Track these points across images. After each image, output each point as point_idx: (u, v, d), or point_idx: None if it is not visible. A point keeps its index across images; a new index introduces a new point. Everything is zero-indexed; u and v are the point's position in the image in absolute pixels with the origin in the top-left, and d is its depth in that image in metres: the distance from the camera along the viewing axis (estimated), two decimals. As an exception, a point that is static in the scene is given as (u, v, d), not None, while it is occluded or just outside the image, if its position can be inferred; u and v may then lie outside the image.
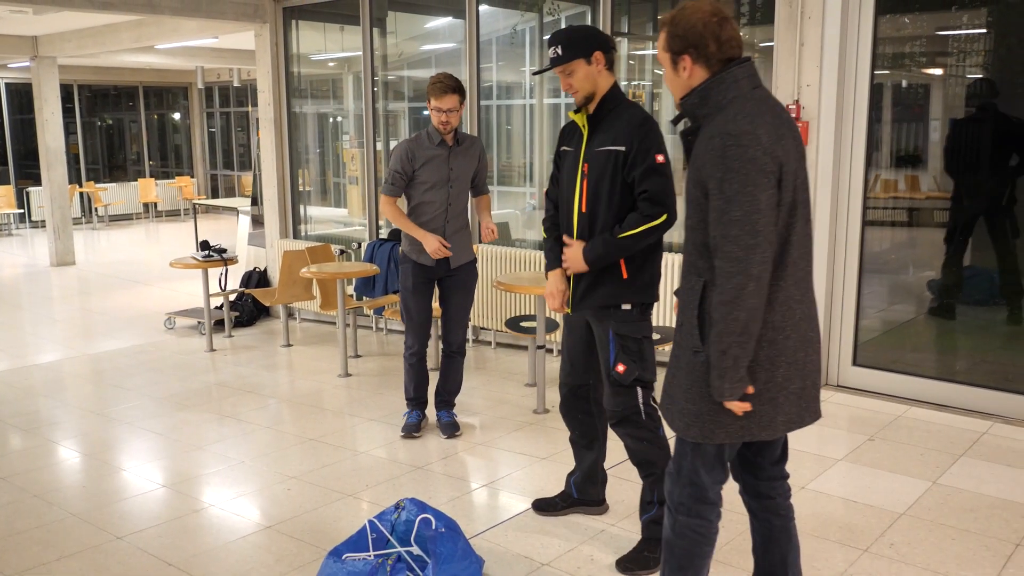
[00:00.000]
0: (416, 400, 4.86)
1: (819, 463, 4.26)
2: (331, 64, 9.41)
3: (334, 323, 7.96)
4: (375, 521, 3.12)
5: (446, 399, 4.90)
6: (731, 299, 2.23)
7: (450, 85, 4.42)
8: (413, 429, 4.81)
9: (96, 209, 17.39)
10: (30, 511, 3.97)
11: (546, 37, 7.92)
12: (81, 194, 17.16)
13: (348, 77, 9.61)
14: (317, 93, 9.19)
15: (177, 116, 20.10)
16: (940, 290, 5.57)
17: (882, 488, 3.95)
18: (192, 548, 3.55)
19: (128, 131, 19.96)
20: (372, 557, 2.94)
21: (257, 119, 18.18)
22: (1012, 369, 5.14)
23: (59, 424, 5.26)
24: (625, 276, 3.18)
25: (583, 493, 3.69)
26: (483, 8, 7.48)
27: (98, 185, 17.52)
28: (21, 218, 16.74)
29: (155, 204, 18.12)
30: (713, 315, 2.28)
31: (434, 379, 4.92)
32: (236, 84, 16.35)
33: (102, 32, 10.37)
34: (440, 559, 2.85)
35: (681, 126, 2.57)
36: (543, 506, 3.74)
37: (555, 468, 4.27)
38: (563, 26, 8.13)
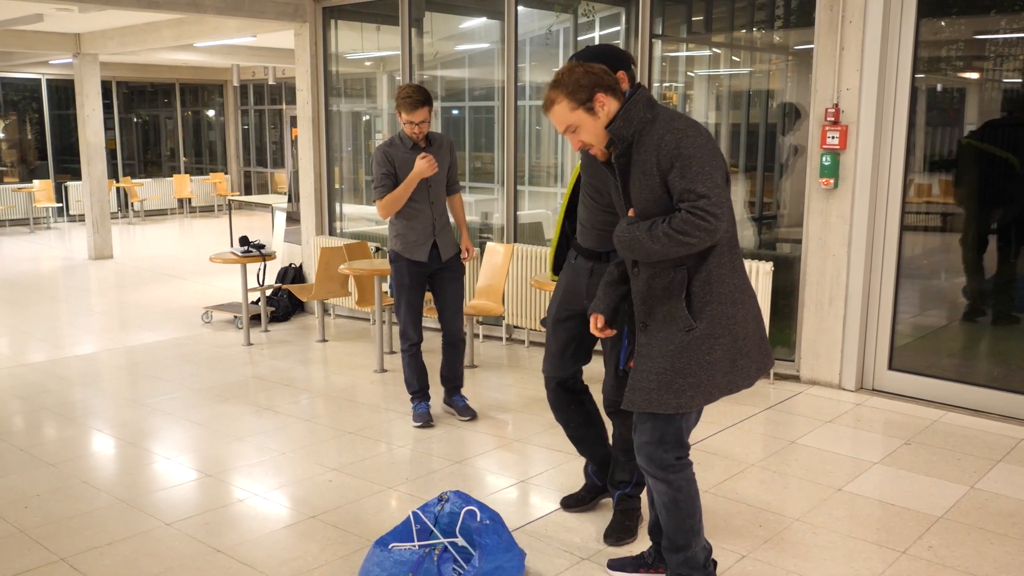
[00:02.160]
0: (422, 391, 5.09)
1: (855, 466, 4.28)
2: (367, 64, 9.51)
3: (367, 319, 8.05)
4: (419, 513, 3.18)
5: (457, 385, 5.16)
6: (682, 240, 2.61)
7: (419, 99, 4.65)
8: (428, 419, 4.99)
9: (132, 204, 17.65)
10: (79, 497, 4.08)
11: (580, 38, 7.98)
12: (117, 189, 17.42)
13: (383, 76, 9.71)
14: (351, 92, 9.28)
15: (212, 113, 20.34)
16: (976, 295, 5.56)
17: (919, 492, 3.96)
18: (238, 536, 3.64)
19: (164, 127, 20.23)
20: (417, 547, 3.00)
21: (292, 117, 18.32)
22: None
23: (101, 413, 5.38)
24: None
25: (604, 479, 3.74)
26: (520, 9, 7.54)
27: (134, 180, 17.78)
28: (59, 212, 17.02)
29: (189, 200, 18.35)
30: (659, 236, 2.63)
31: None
32: (271, 82, 16.52)
33: (144, 30, 10.55)
34: (485, 550, 2.91)
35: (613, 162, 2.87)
36: (571, 503, 3.79)
37: (592, 465, 4.32)
38: (596, 29, 8.15)
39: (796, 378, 5.64)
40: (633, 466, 3.43)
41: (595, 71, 2.77)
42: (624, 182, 2.80)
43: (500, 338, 7.13)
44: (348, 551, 3.45)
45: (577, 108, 2.76)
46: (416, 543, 3.07)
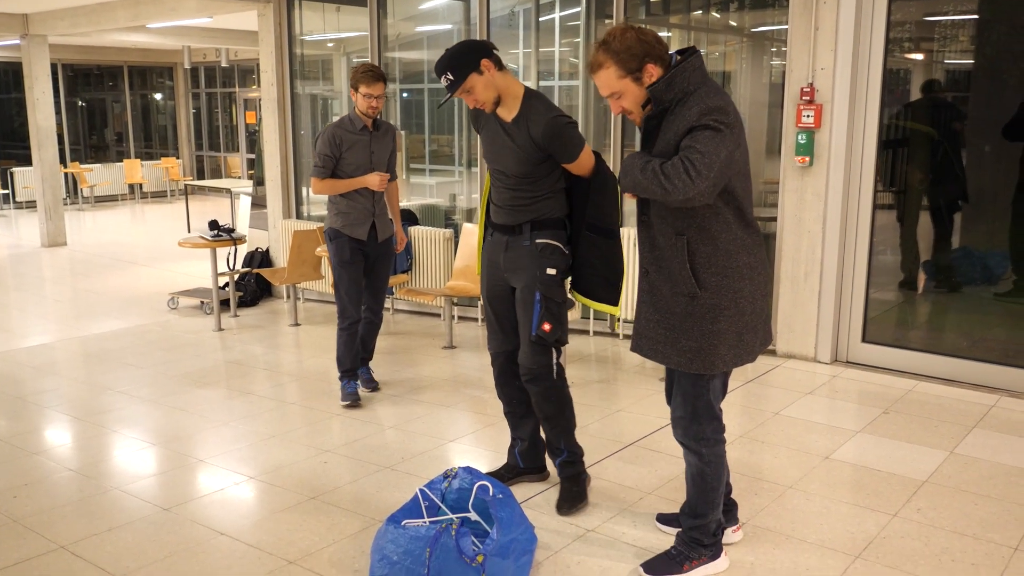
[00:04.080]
0: (352, 370, 5.17)
1: (839, 434, 4.41)
2: (329, 45, 9.40)
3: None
4: (426, 490, 3.20)
5: (366, 358, 5.36)
6: (662, 182, 2.64)
7: (378, 74, 4.81)
8: (357, 398, 5.09)
9: (81, 190, 17.23)
10: (69, 485, 4.02)
11: (543, 18, 7.99)
12: (66, 175, 16.98)
13: (342, 59, 9.61)
14: (308, 74, 9.16)
15: (160, 96, 19.90)
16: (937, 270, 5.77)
17: (902, 458, 4.10)
18: (240, 519, 3.63)
19: (111, 111, 19.75)
20: (429, 523, 3.02)
21: (245, 99, 17.99)
22: (1013, 345, 5.32)
23: (77, 402, 5.29)
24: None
25: (528, 461, 3.87)
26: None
27: (83, 166, 17.34)
28: (4, 199, 16.54)
29: (140, 185, 17.97)
30: (647, 171, 2.69)
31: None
32: (224, 64, 16.22)
33: (97, 10, 10.29)
34: (502, 523, 2.95)
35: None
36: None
37: (584, 440, 4.38)
38: (554, 11, 8.16)
39: (772, 352, 5.78)
40: (556, 432, 3.64)
41: (647, 38, 2.75)
42: (648, 144, 2.83)
43: (476, 319, 7.15)
44: (354, 530, 3.46)
45: (625, 76, 2.76)
46: (426, 520, 3.09)
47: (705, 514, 3.02)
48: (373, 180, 4.90)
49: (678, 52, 2.81)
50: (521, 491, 3.76)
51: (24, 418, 5.03)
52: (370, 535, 3.38)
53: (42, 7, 10.82)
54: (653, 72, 2.76)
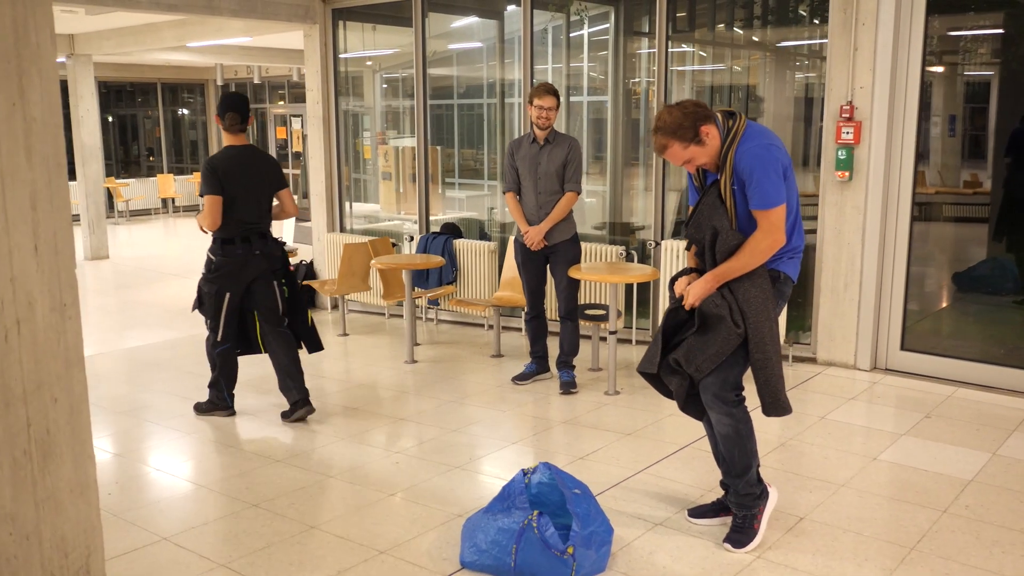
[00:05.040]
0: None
1: (886, 437, 4.61)
2: (368, 63, 9.69)
3: (381, 313, 8.26)
4: (509, 486, 3.42)
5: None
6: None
7: (551, 88, 5.36)
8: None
9: (117, 204, 17.60)
10: (157, 483, 4.28)
11: (573, 34, 8.24)
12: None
13: (376, 75, 9.90)
14: (342, 91, 9.45)
15: (186, 112, 20.29)
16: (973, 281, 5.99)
17: (947, 459, 4.31)
18: (328, 513, 3.87)
19: (142, 127, 20.15)
20: (516, 517, 3.24)
21: (275, 115, 18.30)
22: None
23: (151, 406, 5.54)
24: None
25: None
26: (511, 8, 7.79)
27: (118, 181, 17.72)
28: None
29: (173, 199, 18.34)
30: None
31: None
32: (256, 81, 16.58)
33: (143, 31, 10.62)
34: (581, 518, 3.17)
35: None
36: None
37: (640, 443, 4.61)
38: (584, 28, 8.39)
39: (813, 360, 5.98)
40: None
41: (688, 109, 3.19)
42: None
43: (519, 329, 7.38)
44: (436, 523, 3.69)
45: (689, 144, 3.21)
46: (513, 513, 3.30)
47: (749, 466, 3.41)
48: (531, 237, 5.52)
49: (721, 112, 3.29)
50: (592, 487, 3.98)
51: (101, 422, 5.29)
52: (453, 528, 3.61)
53: (89, 28, 11.17)
54: (708, 131, 3.20)
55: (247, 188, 4.89)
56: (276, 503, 3.98)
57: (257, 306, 5.11)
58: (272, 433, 4.97)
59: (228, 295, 4.99)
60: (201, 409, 5.30)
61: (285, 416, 5.13)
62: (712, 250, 3.26)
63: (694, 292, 3.28)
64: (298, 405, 5.09)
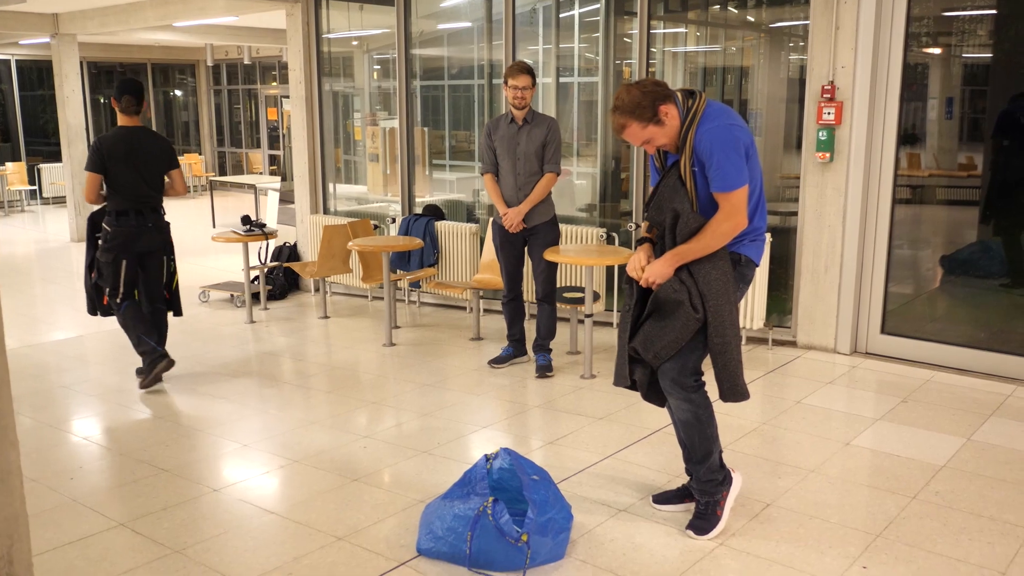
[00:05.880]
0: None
1: (859, 422, 4.56)
2: (354, 43, 9.57)
3: (364, 296, 8.20)
4: (471, 471, 3.37)
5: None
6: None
7: (525, 67, 5.29)
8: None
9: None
10: (122, 468, 4.22)
11: (563, 15, 8.13)
12: (91, 171, 17.23)
13: (364, 56, 9.78)
14: (328, 71, 9.34)
15: (180, 93, 20.14)
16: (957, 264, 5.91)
17: (920, 444, 4.25)
18: (288, 498, 3.82)
19: (133, 108, 19.99)
20: (473, 503, 3.18)
21: (267, 96, 18.17)
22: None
23: (124, 390, 5.49)
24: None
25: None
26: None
27: (108, 162, 17.60)
28: (31, 195, 16.82)
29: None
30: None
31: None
32: (246, 61, 16.44)
33: (126, 10, 10.50)
34: (538, 505, 3.12)
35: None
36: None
37: (611, 428, 4.56)
38: (574, 8, 8.30)
39: (792, 343, 5.92)
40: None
41: (647, 88, 3.10)
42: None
43: (500, 312, 7.31)
44: (398, 509, 3.64)
45: (647, 124, 3.11)
46: (471, 499, 3.24)
47: (710, 451, 3.35)
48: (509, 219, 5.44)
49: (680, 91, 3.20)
50: (559, 473, 3.94)
51: (68, 406, 5.24)
52: (413, 514, 3.56)
53: (72, 7, 11.05)
54: (668, 111, 3.10)
55: (135, 166, 5.24)
56: (238, 488, 3.93)
57: (146, 281, 5.50)
58: (242, 418, 4.92)
59: (124, 262, 5.33)
60: (144, 375, 5.39)
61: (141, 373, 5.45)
62: (672, 232, 3.19)
63: (653, 271, 3.20)
64: (156, 361, 5.36)
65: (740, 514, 3.51)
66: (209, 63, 16.25)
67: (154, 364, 5.34)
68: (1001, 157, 5.88)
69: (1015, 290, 5.82)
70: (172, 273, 5.61)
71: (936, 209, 6.31)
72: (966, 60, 6.08)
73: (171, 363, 5.40)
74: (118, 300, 5.35)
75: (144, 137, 5.33)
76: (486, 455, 3.43)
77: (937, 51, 6.02)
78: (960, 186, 6.14)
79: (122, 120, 5.30)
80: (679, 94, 3.19)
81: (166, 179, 5.47)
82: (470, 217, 8.36)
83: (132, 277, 5.37)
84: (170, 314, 5.69)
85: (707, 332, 3.16)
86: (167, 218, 5.54)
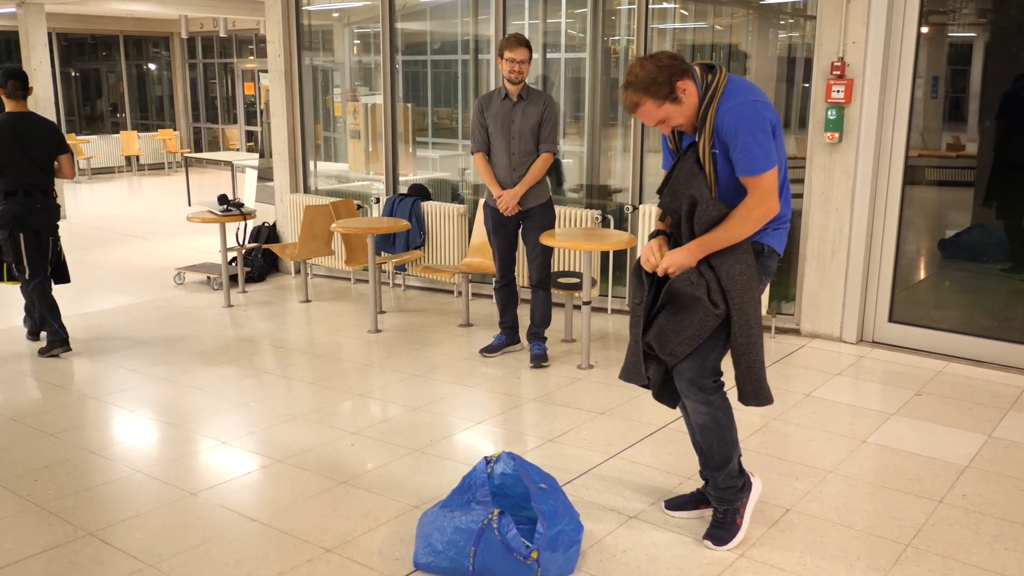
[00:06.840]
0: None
1: (874, 417, 4.34)
2: (335, 15, 9.21)
3: (347, 279, 7.90)
4: (470, 476, 3.11)
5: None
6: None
7: (522, 39, 5.00)
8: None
9: (78, 162, 16.99)
10: (91, 468, 3.92)
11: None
12: (61, 146, 16.74)
13: (344, 29, 9.42)
14: (307, 45, 8.98)
15: (153, 67, 19.60)
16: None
17: (940, 442, 4.04)
18: (271, 504, 3.54)
19: (105, 82, 19.44)
20: (476, 514, 2.92)
21: (243, 70, 17.71)
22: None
23: (93, 380, 5.19)
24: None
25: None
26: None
27: (79, 137, 17.09)
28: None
29: (137, 157, 17.74)
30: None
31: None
32: (222, 34, 15.96)
33: (96, -22, 10.05)
34: (548, 517, 2.86)
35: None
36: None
37: (614, 423, 4.31)
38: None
39: (796, 332, 5.70)
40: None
41: (663, 62, 2.81)
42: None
43: (490, 296, 7.05)
44: (390, 516, 3.38)
45: (663, 102, 2.83)
46: (473, 509, 2.98)
47: (729, 457, 3.09)
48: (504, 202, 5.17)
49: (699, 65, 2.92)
50: (562, 475, 3.68)
51: (35, 397, 4.93)
52: (407, 521, 3.30)
53: (39, -26, 10.58)
54: (685, 87, 2.82)
55: (22, 150, 5.39)
56: (217, 491, 3.64)
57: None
58: (219, 411, 4.63)
59: (21, 235, 5.47)
60: (43, 352, 5.64)
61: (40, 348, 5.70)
62: (690, 222, 2.91)
63: (673, 259, 2.93)
64: (55, 345, 5.63)
65: (759, 520, 3.28)
66: (184, 36, 15.75)
67: (53, 346, 5.60)
68: (1004, 137, 5.66)
69: (1016, 275, 5.62)
70: (58, 252, 5.76)
71: (925, 190, 6.07)
72: (953, 40, 5.84)
73: (68, 350, 5.65)
74: (27, 276, 5.53)
75: (32, 122, 5.50)
76: (486, 458, 3.18)
77: (924, 29, 5.77)
78: (948, 167, 5.92)
79: (9, 106, 5.47)
80: (697, 68, 2.90)
81: (56, 164, 5.63)
82: (455, 197, 8.06)
83: (35, 252, 5.51)
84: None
85: (730, 331, 2.90)
86: (58, 200, 5.76)
